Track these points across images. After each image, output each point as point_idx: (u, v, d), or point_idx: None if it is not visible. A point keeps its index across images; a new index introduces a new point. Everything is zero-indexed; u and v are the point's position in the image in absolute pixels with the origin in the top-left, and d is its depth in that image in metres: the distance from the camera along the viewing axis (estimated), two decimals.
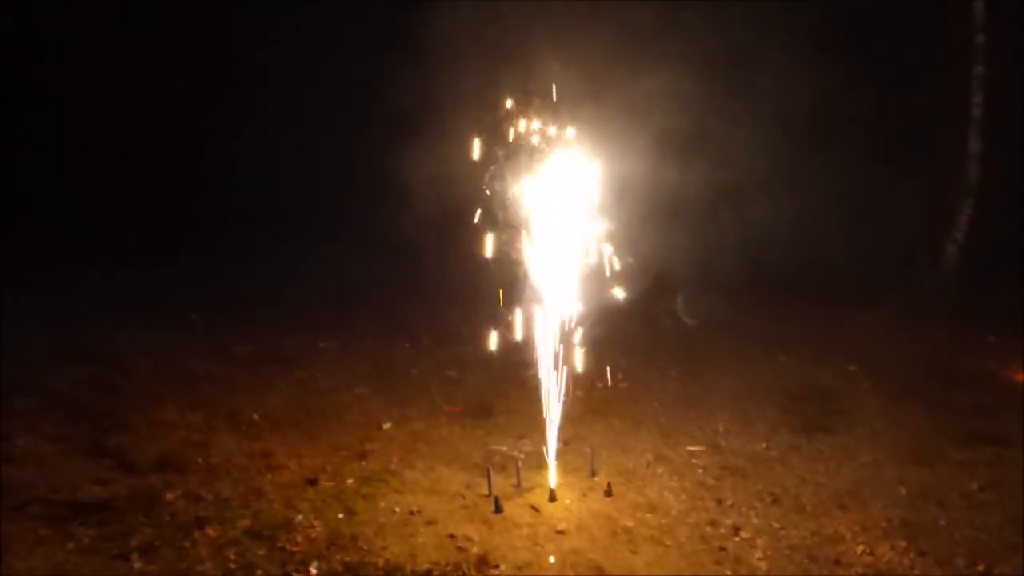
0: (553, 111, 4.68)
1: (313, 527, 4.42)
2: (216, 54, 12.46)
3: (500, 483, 4.89)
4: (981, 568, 4.15)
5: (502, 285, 4.63)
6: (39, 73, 11.81)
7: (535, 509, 4.65)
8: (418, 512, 4.60)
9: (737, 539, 4.38)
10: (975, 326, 8.83)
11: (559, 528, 4.45)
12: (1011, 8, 9.75)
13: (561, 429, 4.99)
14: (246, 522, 4.46)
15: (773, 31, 10.43)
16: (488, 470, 4.89)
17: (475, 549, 4.21)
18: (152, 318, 8.67)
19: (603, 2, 9.88)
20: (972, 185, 9.86)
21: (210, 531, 4.35)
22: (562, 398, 4.88)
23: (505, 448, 5.47)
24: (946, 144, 10.14)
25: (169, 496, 4.73)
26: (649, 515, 4.61)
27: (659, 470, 5.20)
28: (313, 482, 4.95)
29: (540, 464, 5.04)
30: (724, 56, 10.89)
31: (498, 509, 4.60)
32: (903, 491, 4.95)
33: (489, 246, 4.63)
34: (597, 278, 4.80)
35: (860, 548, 4.30)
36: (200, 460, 5.23)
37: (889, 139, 10.99)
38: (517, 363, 4.91)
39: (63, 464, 5.17)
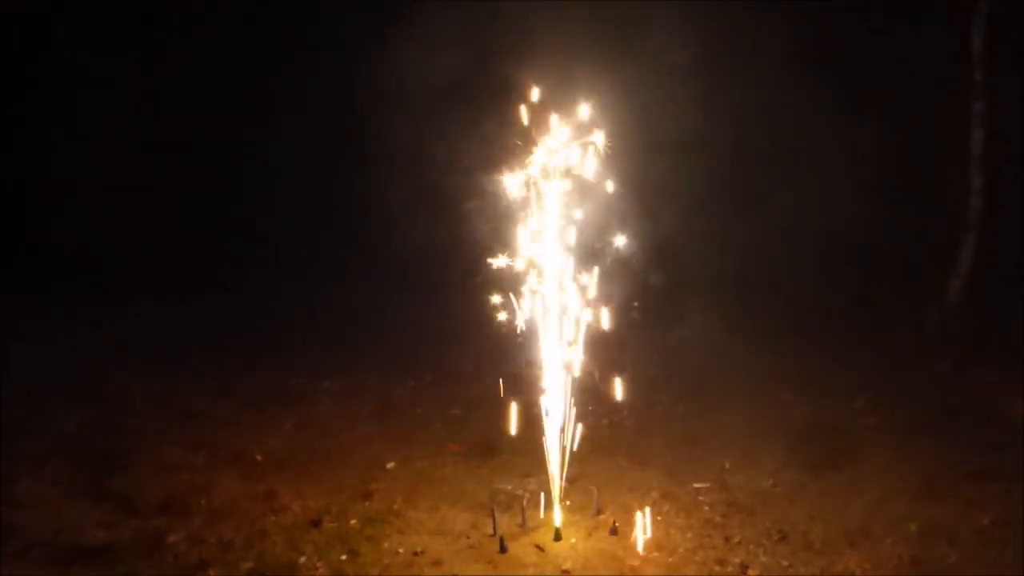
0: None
1: (317, 569, 4.39)
2: (223, 89, 12.57)
3: (505, 522, 4.86)
4: None
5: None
6: (50, 113, 11.99)
7: (540, 548, 4.61)
8: (422, 553, 4.56)
9: None
10: (982, 360, 8.78)
11: (564, 567, 4.41)
12: (1009, 46, 9.85)
13: (566, 467, 4.96)
14: (249, 564, 4.43)
15: (766, 62, 10.54)
16: (493, 510, 4.86)
17: None
18: (157, 358, 8.68)
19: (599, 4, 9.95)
20: (974, 219, 9.88)
21: (213, 573, 4.32)
22: (568, 437, 4.86)
23: (510, 487, 5.44)
24: (947, 178, 10.19)
25: (172, 538, 4.70)
26: (656, 553, 4.56)
27: (665, 508, 5.16)
28: (317, 523, 4.93)
29: (546, 503, 5.01)
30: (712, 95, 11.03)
31: (503, 549, 4.56)
32: (913, 527, 4.90)
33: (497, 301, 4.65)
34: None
35: None
36: (203, 502, 5.21)
37: (889, 172, 11.03)
38: (523, 401, 4.89)
39: (66, 507, 5.16)
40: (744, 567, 4.41)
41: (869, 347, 9.45)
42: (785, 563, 4.46)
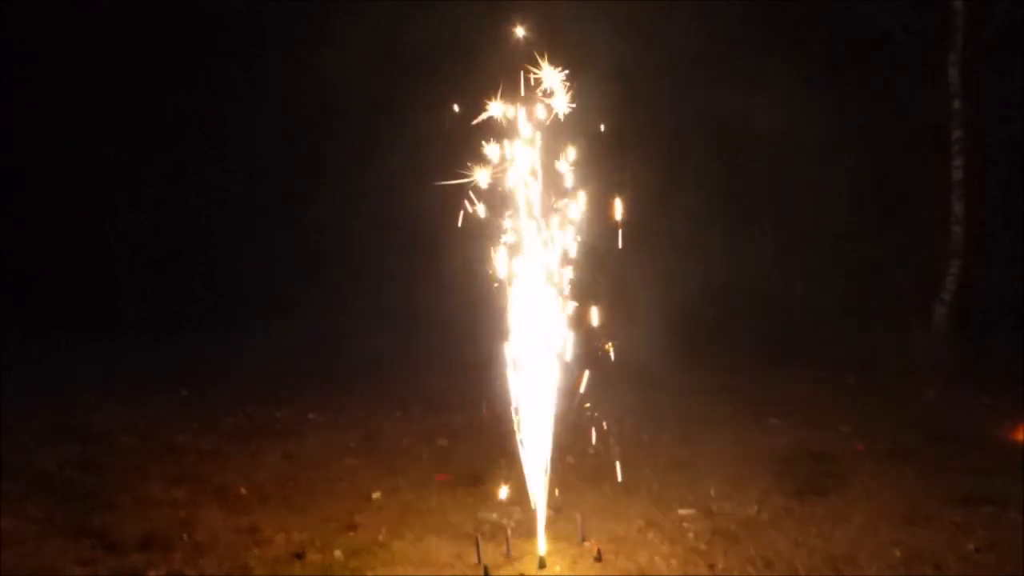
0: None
1: None
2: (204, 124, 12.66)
3: (490, 552, 4.82)
4: None
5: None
6: (31, 148, 12.04)
7: None
8: None
9: None
10: (967, 386, 8.82)
11: None
12: (989, 73, 10.02)
13: (551, 496, 4.94)
14: None
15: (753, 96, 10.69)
16: (477, 539, 4.83)
17: None
18: (141, 392, 8.64)
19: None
20: (957, 246, 9.98)
21: None
22: (549, 465, 4.84)
23: (495, 516, 5.40)
24: (931, 206, 10.30)
25: (152, 575, 4.64)
26: None
27: (650, 535, 5.12)
28: (300, 556, 4.87)
29: (530, 532, 4.97)
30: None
31: None
32: (898, 553, 4.87)
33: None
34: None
35: None
36: (185, 537, 5.14)
37: (873, 201, 11.16)
38: (508, 431, 4.88)
39: (45, 545, 5.09)
40: None
41: (855, 372, 9.50)
42: None
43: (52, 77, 12.00)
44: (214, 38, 12.12)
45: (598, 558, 4.75)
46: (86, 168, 12.00)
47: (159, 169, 12.44)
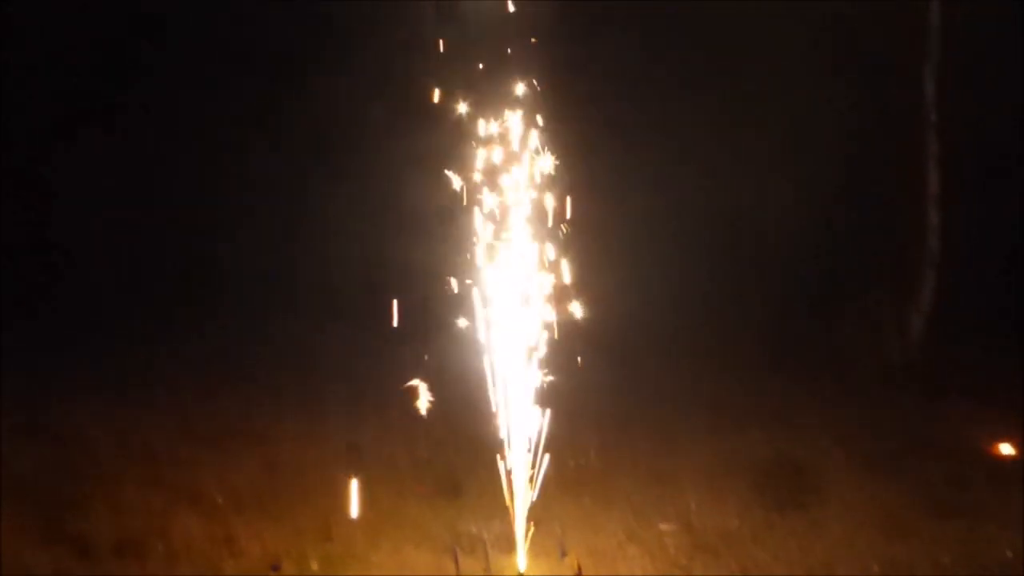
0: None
1: None
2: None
3: (469, 565, 4.81)
4: None
5: None
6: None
7: None
8: None
9: None
10: (946, 397, 8.86)
11: None
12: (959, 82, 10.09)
13: (531, 509, 4.91)
14: None
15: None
16: (456, 552, 4.80)
17: None
18: (119, 396, 8.52)
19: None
20: (934, 255, 10.05)
21: None
22: (533, 478, 4.83)
23: (474, 529, 5.37)
24: (907, 214, 10.36)
25: None
26: None
27: (630, 549, 5.12)
28: (276, 567, 4.83)
29: (510, 544, 4.95)
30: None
31: None
32: (875, 567, 4.91)
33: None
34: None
35: None
36: (160, 545, 5.09)
37: (848, 209, 11.19)
38: (489, 442, 4.85)
39: (17, 552, 5.01)
40: None
41: (834, 383, 9.52)
42: None
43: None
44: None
45: (578, 573, 4.73)
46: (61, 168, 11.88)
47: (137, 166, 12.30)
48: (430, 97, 4.74)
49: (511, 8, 4.66)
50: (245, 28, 11.82)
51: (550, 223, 4.73)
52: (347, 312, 10.61)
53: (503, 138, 4.68)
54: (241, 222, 12.51)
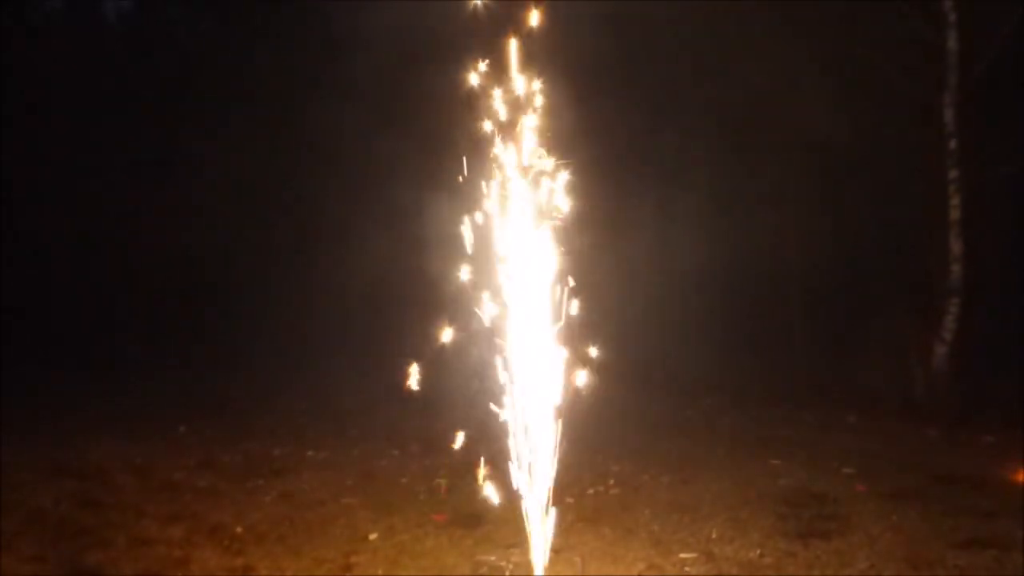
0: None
1: None
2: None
3: None
4: None
5: None
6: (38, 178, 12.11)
7: None
8: None
9: None
10: (970, 427, 8.76)
11: None
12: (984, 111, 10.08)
13: (550, 539, 4.88)
14: None
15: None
16: None
17: None
18: (140, 428, 8.59)
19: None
20: (957, 285, 9.97)
21: None
22: (550, 506, 4.79)
23: (493, 558, 5.34)
24: (930, 244, 10.31)
25: None
26: None
27: None
28: None
29: (529, 575, 4.91)
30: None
31: None
32: None
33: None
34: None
35: None
36: None
37: (871, 242, 11.19)
38: (508, 471, 4.83)
39: None
40: None
41: (856, 412, 9.44)
42: None
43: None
44: None
45: None
46: (84, 201, 12.08)
47: (156, 203, 12.48)
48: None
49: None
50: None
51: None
52: (370, 351, 10.68)
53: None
54: (264, 262, 12.69)
